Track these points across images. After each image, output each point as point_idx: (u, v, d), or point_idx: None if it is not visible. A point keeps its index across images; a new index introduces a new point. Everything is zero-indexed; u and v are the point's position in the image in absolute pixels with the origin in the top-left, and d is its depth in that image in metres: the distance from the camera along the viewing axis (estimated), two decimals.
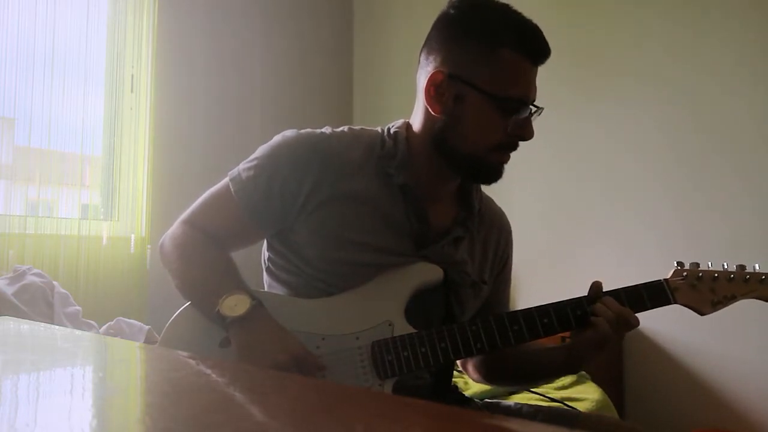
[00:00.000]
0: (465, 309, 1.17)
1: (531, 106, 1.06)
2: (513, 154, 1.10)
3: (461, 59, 1.05)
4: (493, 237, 1.23)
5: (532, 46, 1.03)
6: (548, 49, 1.05)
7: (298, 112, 3.21)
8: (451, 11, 1.07)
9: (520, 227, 2.71)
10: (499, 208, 1.28)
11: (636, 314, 1.09)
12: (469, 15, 1.06)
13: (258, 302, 1.01)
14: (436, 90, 1.06)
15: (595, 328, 1.05)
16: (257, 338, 0.99)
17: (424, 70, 1.09)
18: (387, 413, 0.50)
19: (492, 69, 1.03)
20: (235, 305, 1.00)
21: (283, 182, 1.08)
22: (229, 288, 1.03)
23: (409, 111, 1.15)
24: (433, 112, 1.08)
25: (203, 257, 1.10)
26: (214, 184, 1.16)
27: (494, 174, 1.10)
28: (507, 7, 1.06)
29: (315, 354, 1.03)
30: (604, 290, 1.10)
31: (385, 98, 3.36)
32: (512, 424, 0.47)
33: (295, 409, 0.51)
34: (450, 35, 1.07)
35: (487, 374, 1.26)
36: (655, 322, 2.49)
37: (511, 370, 1.24)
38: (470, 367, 1.28)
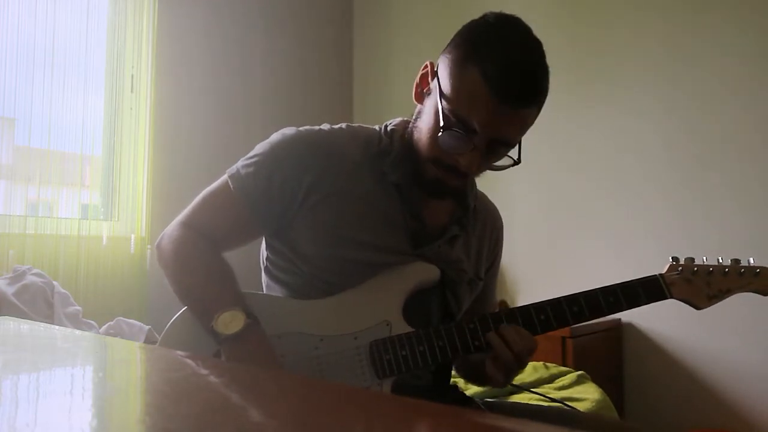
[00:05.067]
0: (462, 306, 1.18)
1: (474, 135, 0.99)
2: None
3: (445, 60, 1.05)
4: (486, 233, 1.24)
5: (501, 83, 0.96)
6: (523, 94, 0.97)
7: (298, 112, 3.21)
8: (476, 19, 1.05)
9: (520, 226, 2.73)
10: (492, 204, 1.29)
11: (633, 309, 1.08)
12: (480, 27, 1.03)
13: (253, 321, 1.00)
14: (420, 79, 1.09)
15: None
16: (247, 360, 0.99)
17: None
18: (386, 413, 0.50)
19: (455, 79, 1.01)
20: (230, 322, 0.99)
21: (283, 179, 1.08)
22: (226, 302, 1.02)
23: (409, 110, 1.15)
24: (415, 101, 1.10)
25: (201, 265, 1.10)
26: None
27: (432, 187, 1.07)
28: (516, 38, 1.00)
29: (313, 355, 1.03)
30: (601, 286, 1.09)
31: (385, 98, 3.36)
32: (512, 424, 0.47)
33: (294, 409, 0.51)
34: (455, 37, 1.07)
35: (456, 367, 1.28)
36: (654, 322, 2.50)
37: (465, 368, 1.25)
38: None
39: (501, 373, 1.06)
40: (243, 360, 0.99)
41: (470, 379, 1.29)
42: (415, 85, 1.10)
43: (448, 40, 1.07)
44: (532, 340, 1.05)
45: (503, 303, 1.10)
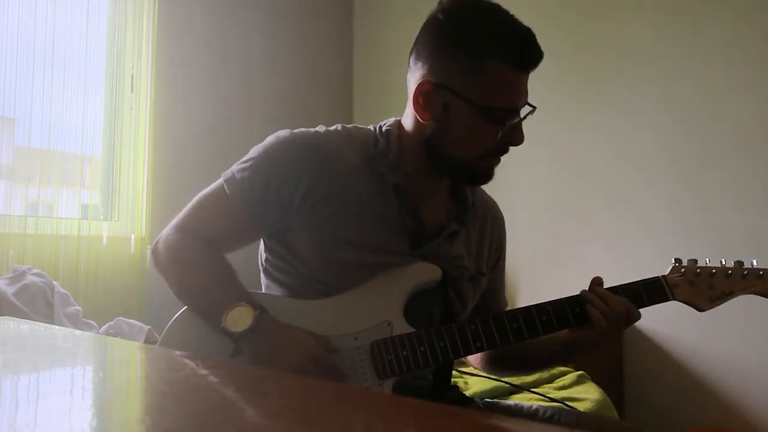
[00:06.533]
0: (466, 303, 1.18)
1: (521, 112, 1.06)
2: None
3: (448, 69, 1.04)
4: (487, 228, 1.24)
5: (520, 56, 1.02)
6: (538, 55, 1.03)
7: (298, 112, 3.21)
8: (439, 16, 1.06)
9: (521, 228, 2.73)
10: (491, 198, 1.28)
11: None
12: (457, 24, 1.04)
13: (261, 310, 1.01)
14: (424, 98, 1.06)
15: (593, 325, 1.05)
16: (269, 348, 1.00)
17: (413, 75, 1.09)
18: (386, 413, 0.50)
19: (479, 80, 1.02)
20: (239, 318, 0.99)
21: (280, 182, 1.08)
22: (230, 299, 1.02)
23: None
24: (421, 120, 1.08)
25: (200, 266, 1.10)
26: (210, 185, 1.15)
27: (483, 177, 1.11)
28: (497, 14, 1.04)
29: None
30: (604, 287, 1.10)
31: (385, 97, 3.36)
32: (512, 424, 0.47)
33: (295, 409, 0.51)
34: (438, 44, 1.06)
35: (488, 360, 1.27)
36: (655, 321, 2.49)
37: (510, 356, 1.24)
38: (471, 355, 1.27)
39: (587, 346, 1.08)
40: (265, 351, 0.99)
41: (504, 362, 1.26)
42: (414, 104, 1.07)
43: None
44: (631, 309, 1.06)
45: (599, 279, 1.11)
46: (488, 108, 1.03)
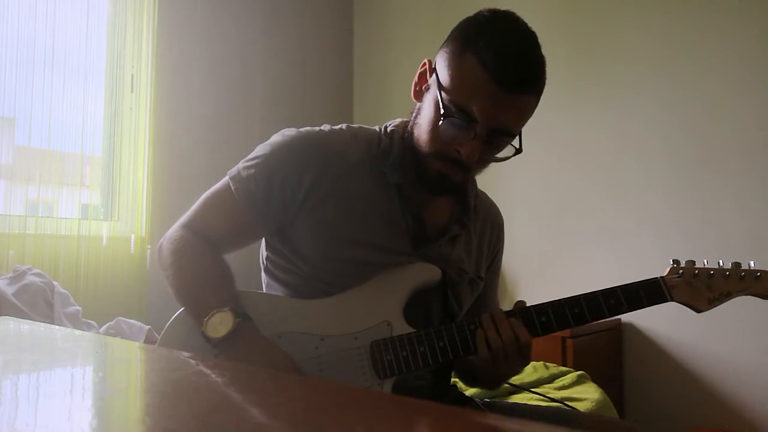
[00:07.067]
0: (463, 306, 1.18)
1: (481, 128, 0.98)
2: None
3: (442, 54, 1.05)
4: (486, 232, 1.24)
5: (499, 67, 0.95)
6: (521, 79, 0.97)
7: (298, 112, 3.21)
8: (472, 15, 1.06)
9: (521, 228, 2.73)
10: (492, 202, 1.28)
11: (633, 311, 1.08)
12: (475, 21, 1.04)
13: (242, 319, 1.00)
14: (419, 77, 1.09)
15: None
16: (244, 358, 0.98)
17: None
18: (386, 413, 0.50)
19: (453, 69, 1.01)
20: (219, 324, 0.98)
21: (284, 180, 1.08)
22: (215, 304, 1.01)
23: (409, 110, 1.15)
24: (414, 99, 1.10)
25: (196, 267, 1.09)
26: (215, 184, 1.16)
27: (435, 182, 1.07)
28: (511, 28, 1.01)
29: (314, 354, 1.03)
30: (603, 288, 1.08)
31: (385, 97, 3.36)
32: (512, 424, 0.47)
33: (295, 409, 0.51)
34: (451, 33, 1.07)
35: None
36: (654, 322, 2.49)
37: (461, 369, 1.24)
38: None
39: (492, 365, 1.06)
40: (240, 359, 0.98)
41: (466, 380, 1.28)
42: (413, 84, 1.10)
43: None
44: (519, 333, 1.03)
45: (521, 303, 1.08)
46: (445, 98, 1.00)
